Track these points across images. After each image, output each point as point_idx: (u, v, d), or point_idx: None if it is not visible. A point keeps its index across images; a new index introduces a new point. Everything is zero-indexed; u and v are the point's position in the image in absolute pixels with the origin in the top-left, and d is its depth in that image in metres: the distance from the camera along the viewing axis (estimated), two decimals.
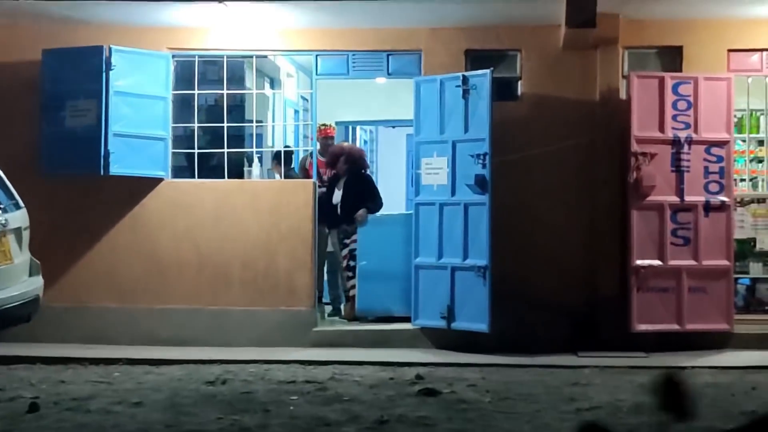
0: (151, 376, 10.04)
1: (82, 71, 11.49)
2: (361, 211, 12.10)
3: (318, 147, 12.83)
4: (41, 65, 11.65)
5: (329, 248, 12.62)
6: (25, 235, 9.98)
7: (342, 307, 12.53)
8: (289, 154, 13.01)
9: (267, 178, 13.18)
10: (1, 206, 9.69)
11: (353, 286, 12.28)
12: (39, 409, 8.23)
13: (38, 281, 10.07)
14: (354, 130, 16.30)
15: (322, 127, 12.94)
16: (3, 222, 9.47)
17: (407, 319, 11.74)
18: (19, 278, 9.77)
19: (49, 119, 11.55)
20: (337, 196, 12.36)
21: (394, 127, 16.36)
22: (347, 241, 12.31)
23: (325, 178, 12.65)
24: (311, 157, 12.71)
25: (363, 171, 12.70)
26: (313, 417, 7.98)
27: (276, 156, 12.97)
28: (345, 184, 12.31)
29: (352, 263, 12.29)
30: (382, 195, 12.87)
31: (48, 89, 11.60)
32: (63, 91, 11.52)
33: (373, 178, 13.24)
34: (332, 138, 13.18)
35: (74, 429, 7.63)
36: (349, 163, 12.40)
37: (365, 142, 16.77)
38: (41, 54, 11.66)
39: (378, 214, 12.53)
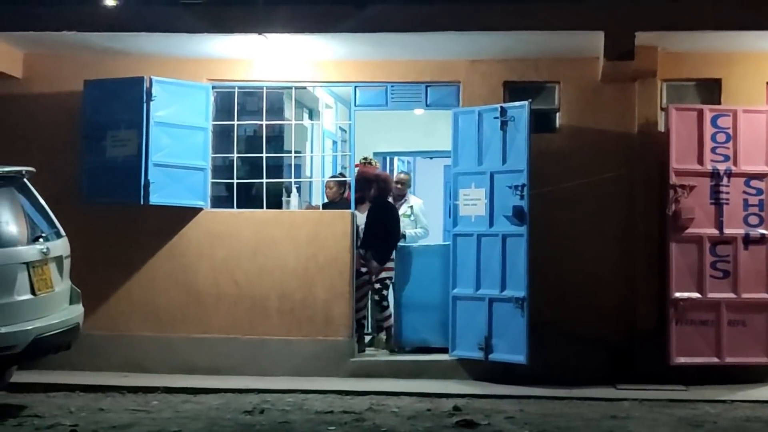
0: (189, 404, 10.08)
1: (123, 101, 11.58)
2: (375, 264, 12.14)
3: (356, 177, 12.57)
4: (83, 95, 11.76)
5: None
6: (66, 263, 10.04)
7: (375, 336, 12.57)
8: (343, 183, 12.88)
9: (305, 208, 13.21)
10: (43, 235, 9.76)
11: (388, 317, 12.30)
12: None
13: (78, 309, 10.12)
14: (392, 160, 16.34)
15: (368, 165, 12.76)
16: (44, 251, 9.54)
17: (444, 350, 11.72)
18: (60, 306, 9.82)
19: (91, 149, 11.65)
20: (359, 219, 12.15)
21: (431, 158, 16.38)
22: (365, 270, 12.15)
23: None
24: (348, 188, 12.66)
25: (388, 199, 12.52)
26: None
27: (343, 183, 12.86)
28: (371, 209, 12.20)
29: (377, 296, 12.34)
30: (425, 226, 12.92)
31: (89, 119, 11.70)
32: (104, 121, 11.61)
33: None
34: None
35: None
36: (379, 190, 12.35)
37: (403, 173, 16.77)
38: (83, 84, 11.78)
39: (416, 244, 12.52)
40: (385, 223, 12.24)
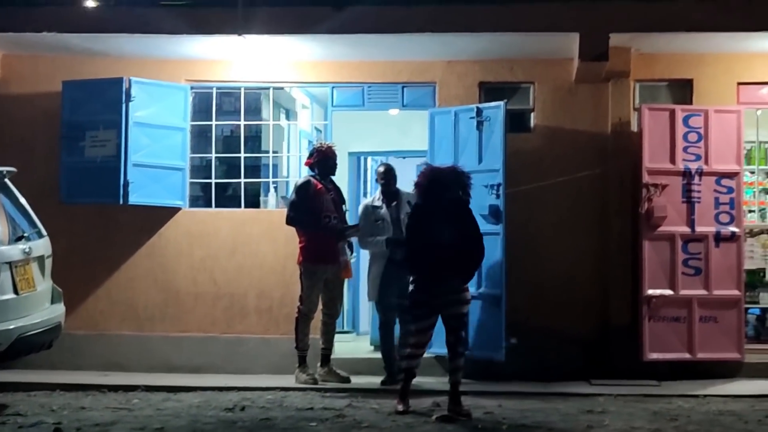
0: (170, 402, 10.14)
1: (101, 102, 11.68)
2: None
3: (316, 171, 11.38)
4: (62, 96, 11.83)
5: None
6: (48, 263, 10.11)
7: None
8: None
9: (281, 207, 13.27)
10: (25, 235, 9.82)
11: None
12: None
13: (60, 308, 10.18)
14: (366, 160, 16.43)
15: (325, 145, 11.40)
16: (27, 250, 9.60)
17: None
18: (42, 305, 9.87)
19: (69, 149, 11.73)
20: (449, 235, 9.21)
21: (404, 158, 16.48)
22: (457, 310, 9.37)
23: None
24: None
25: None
26: None
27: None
28: (456, 219, 9.32)
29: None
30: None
31: (68, 120, 11.78)
32: (83, 122, 11.70)
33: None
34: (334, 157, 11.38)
35: None
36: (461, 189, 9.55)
37: (375, 172, 16.81)
38: (61, 85, 11.84)
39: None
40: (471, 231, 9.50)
